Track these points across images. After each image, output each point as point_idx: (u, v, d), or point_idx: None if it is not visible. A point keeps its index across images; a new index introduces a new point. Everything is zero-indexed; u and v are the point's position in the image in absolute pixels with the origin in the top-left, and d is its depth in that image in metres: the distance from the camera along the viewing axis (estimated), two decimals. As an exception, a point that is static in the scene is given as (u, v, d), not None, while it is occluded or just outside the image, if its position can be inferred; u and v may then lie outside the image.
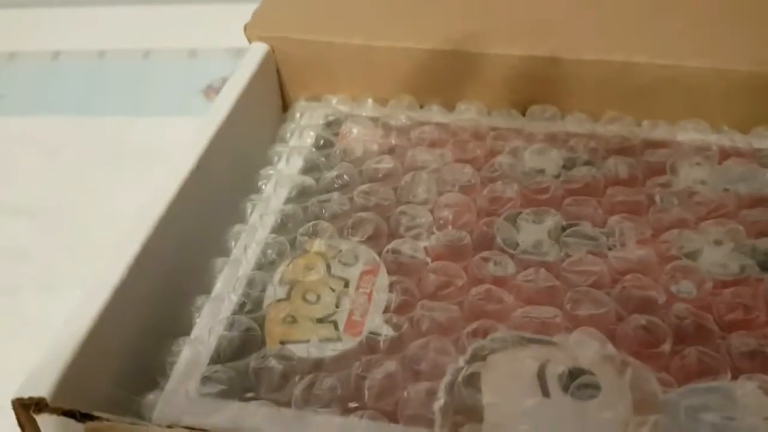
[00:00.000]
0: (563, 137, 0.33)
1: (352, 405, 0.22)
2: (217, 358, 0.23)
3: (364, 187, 0.30)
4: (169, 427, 0.20)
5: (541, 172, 0.32)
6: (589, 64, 0.34)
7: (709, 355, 0.23)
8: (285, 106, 0.38)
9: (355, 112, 0.35)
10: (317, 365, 0.23)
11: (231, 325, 0.24)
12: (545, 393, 0.22)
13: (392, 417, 0.22)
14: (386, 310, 0.25)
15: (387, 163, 0.31)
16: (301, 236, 0.28)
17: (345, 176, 0.30)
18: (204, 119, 0.31)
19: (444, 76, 0.36)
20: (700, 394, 0.22)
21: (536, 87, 0.35)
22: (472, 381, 0.23)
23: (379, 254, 0.28)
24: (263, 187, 0.31)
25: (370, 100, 0.36)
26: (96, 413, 0.19)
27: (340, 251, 0.28)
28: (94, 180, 0.43)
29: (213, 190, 0.29)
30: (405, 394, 0.22)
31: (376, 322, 0.25)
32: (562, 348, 0.24)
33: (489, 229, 0.29)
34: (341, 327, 0.25)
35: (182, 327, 0.25)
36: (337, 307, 0.25)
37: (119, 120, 0.48)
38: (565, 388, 0.22)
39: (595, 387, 0.22)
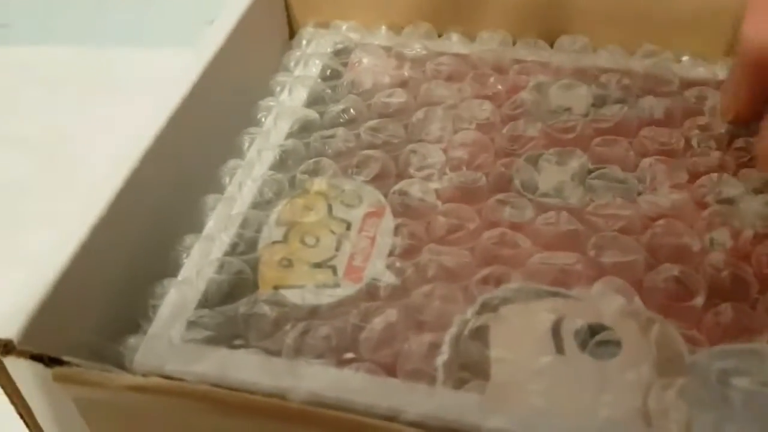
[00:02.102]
0: (594, 72, 0.30)
1: (348, 356, 0.20)
2: (204, 302, 0.22)
3: (372, 122, 0.27)
4: (144, 375, 0.18)
5: (568, 110, 0.29)
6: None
7: (746, 313, 0.20)
8: (292, 32, 0.35)
9: (367, 41, 0.32)
10: (312, 312, 0.21)
11: (221, 267, 0.22)
12: (559, 350, 0.20)
13: (391, 370, 0.20)
14: (390, 255, 0.23)
15: (398, 97, 0.29)
16: (301, 174, 0.25)
17: (352, 110, 0.28)
18: (200, 46, 0.29)
19: (466, 1, 0.33)
20: (733, 356, 0.20)
21: (568, 15, 0.32)
22: (480, 334, 0.21)
23: (386, 196, 0.25)
24: (263, 120, 0.28)
25: (383, 28, 0.33)
26: (65, 358, 0.18)
27: (343, 191, 0.25)
28: (96, 112, 0.42)
29: (208, 122, 0.27)
30: (406, 346, 0.20)
31: (378, 268, 0.23)
32: (582, 301, 0.22)
33: (507, 170, 0.26)
34: (340, 272, 0.23)
35: (170, 268, 0.23)
36: (336, 250, 0.23)
37: (124, 51, 0.46)
38: (583, 345, 0.20)
39: (616, 344, 0.20)
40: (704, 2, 0.31)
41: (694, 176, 0.25)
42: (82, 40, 0.47)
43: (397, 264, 0.23)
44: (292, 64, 0.31)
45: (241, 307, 0.21)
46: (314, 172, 0.26)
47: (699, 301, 0.21)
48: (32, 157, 0.40)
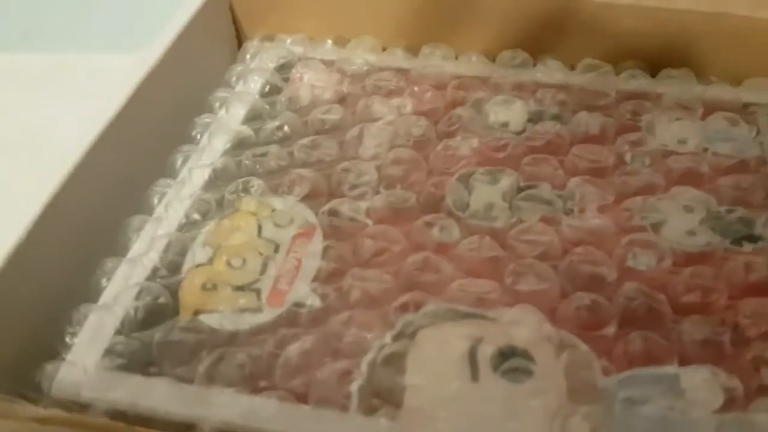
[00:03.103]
0: (532, 87, 0.30)
1: (262, 384, 0.20)
2: (122, 329, 0.22)
3: (305, 140, 0.27)
4: (57, 403, 0.18)
5: (505, 125, 0.29)
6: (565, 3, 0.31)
7: (655, 342, 0.21)
8: (241, 45, 0.35)
9: (310, 54, 0.32)
10: (230, 339, 0.22)
11: (141, 293, 0.22)
12: (474, 376, 0.21)
13: (303, 398, 0.20)
14: (316, 277, 0.23)
15: (335, 114, 0.29)
16: (229, 194, 0.25)
17: (286, 127, 0.28)
18: (137, 59, 0.29)
19: (411, 15, 0.33)
20: (642, 383, 0.20)
21: (514, 30, 0.32)
22: (394, 360, 0.21)
23: (317, 215, 0.25)
24: (198, 137, 0.28)
25: (329, 41, 0.33)
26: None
27: (274, 210, 0.26)
28: (76, 118, 0.41)
29: (141, 139, 0.27)
30: (318, 373, 0.20)
31: (301, 292, 0.23)
32: (498, 324, 0.22)
33: (437, 190, 0.26)
34: (264, 296, 0.23)
35: (92, 292, 0.23)
36: (262, 273, 0.23)
37: (104, 57, 0.46)
38: (495, 368, 0.21)
39: (528, 370, 0.21)
40: (647, 17, 0.31)
41: (622, 196, 0.26)
42: (62, 44, 0.47)
43: (320, 288, 0.23)
44: (233, 79, 0.31)
45: (157, 333, 0.21)
46: (244, 192, 0.26)
47: (610, 330, 0.21)
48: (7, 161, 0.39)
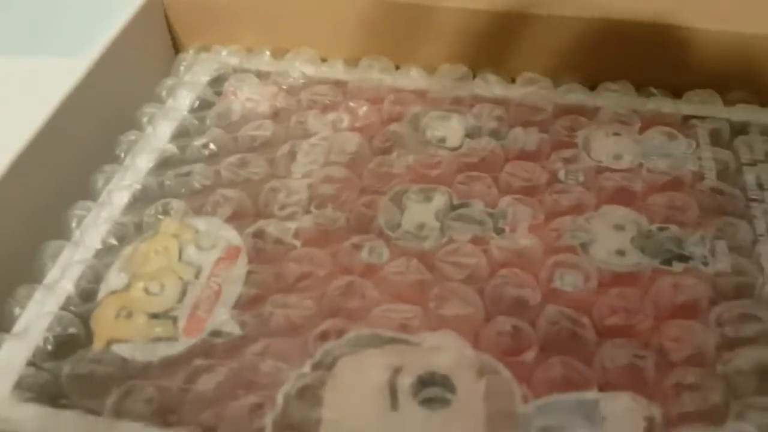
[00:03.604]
0: (470, 102, 0.30)
1: (172, 418, 0.20)
2: (33, 360, 0.21)
3: (232, 158, 0.27)
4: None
5: (442, 141, 0.28)
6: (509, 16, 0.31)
7: (575, 367, 0.20)
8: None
9: (246, 66, 0.32)
10: (143, 370, 0.21)
11: (54, 322, 0.21)
12: (394, 405, 0.20)
13: (215, 432, 0.20)
14: (236, 304, 0.23)
15: (266, 130, 0.28)
16: (148, 217, 0.25)
17: (212, 145, 0.27)
18: (64, 74, 0.28)
19: (351, 27, 0.32)
20: (561, 410, 0.20)
21: (456, 44, 0.32)
22: (309, 392, 0.20)
23: (242, 237, 0.25)
24: (122, 155, 0.27)
25: (267, 53, 0.33)
26: None
27: (197, 232, 0.25)
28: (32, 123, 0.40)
29: (64, 158, 0.26)
30: (230, 406, 0.20)
31: (220, 319, 0.22)
32: (420, 349, 0.21)
33: (368, 209, 0.26)
34: (181, 324, 0.22)
35: (5, 321, 0.22)
36: (180, 300, 0.23)
37: (62, 60, 0.44)
38: (415, 395, 0.20)
39: (446, 399, 0.20)
40: (587, 29, 0.30)
41: (552, 215, 0.25)
42: (21, 48, 0.46)
43: (240, 315, 0.22)
44: (164, 93, 0.30)
45: (66, 365, 0.21)
46: (164, 214, 0.25)
47: (529, 355, 0.21)
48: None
